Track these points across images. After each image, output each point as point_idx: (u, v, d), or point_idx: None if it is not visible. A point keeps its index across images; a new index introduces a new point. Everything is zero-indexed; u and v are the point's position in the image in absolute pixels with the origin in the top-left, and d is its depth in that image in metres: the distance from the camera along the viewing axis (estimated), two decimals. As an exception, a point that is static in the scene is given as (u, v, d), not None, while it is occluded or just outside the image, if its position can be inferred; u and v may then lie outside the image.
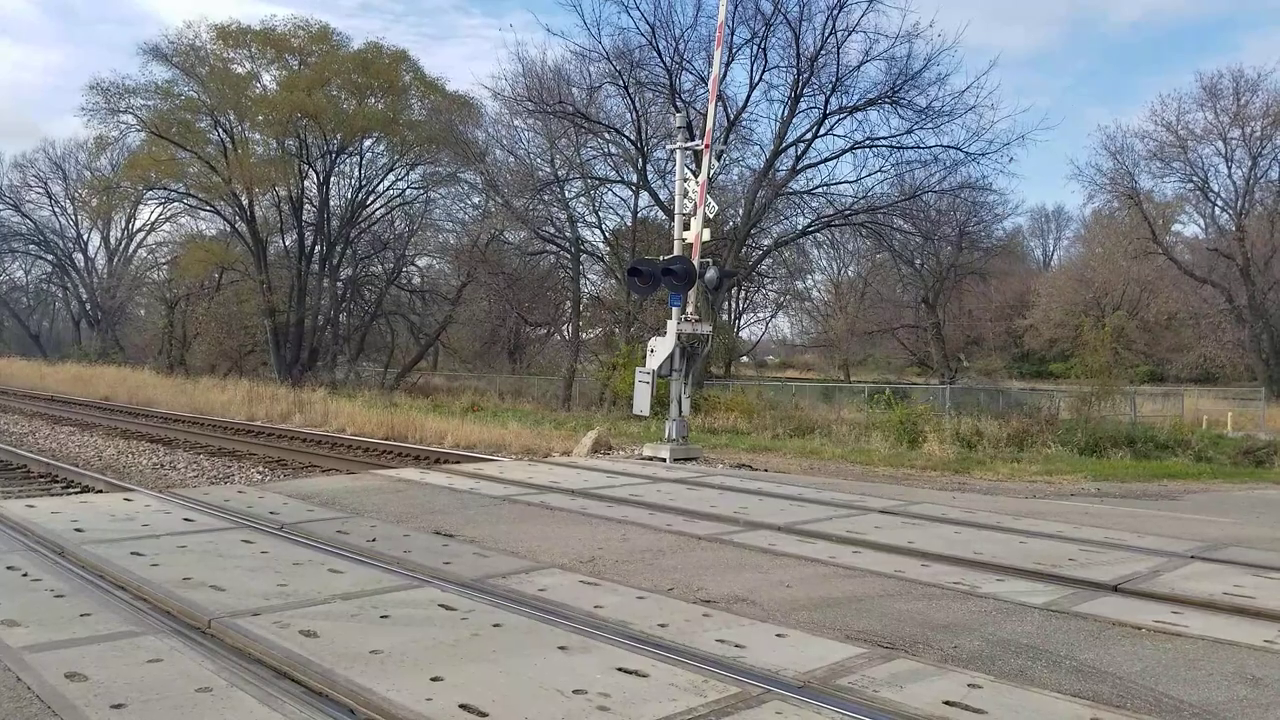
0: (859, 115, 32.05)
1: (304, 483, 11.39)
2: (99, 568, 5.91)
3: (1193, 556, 7.17)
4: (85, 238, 66.06)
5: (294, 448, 19.38)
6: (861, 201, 33.87)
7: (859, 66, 31.09)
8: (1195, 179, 46.68)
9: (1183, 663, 4.59)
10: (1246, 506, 12.78)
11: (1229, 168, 45.70)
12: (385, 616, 4.95)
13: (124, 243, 64.06)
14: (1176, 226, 53.89)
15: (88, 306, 65.42)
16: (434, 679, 3.99)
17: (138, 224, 61.17)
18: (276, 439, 20.94)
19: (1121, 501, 12.95)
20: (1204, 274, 46.22)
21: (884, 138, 32.19)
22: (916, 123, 31.27)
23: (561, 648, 4.48)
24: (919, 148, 31.98)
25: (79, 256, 66.32)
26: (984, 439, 19.93)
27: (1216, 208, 47.62)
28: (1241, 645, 4.87)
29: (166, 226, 57.34)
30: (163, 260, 55.95)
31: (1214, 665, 4.56)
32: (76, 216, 64.81)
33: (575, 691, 3.89)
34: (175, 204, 50.12)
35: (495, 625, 4.84)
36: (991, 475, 16.22)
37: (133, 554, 6.29)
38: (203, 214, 48.20)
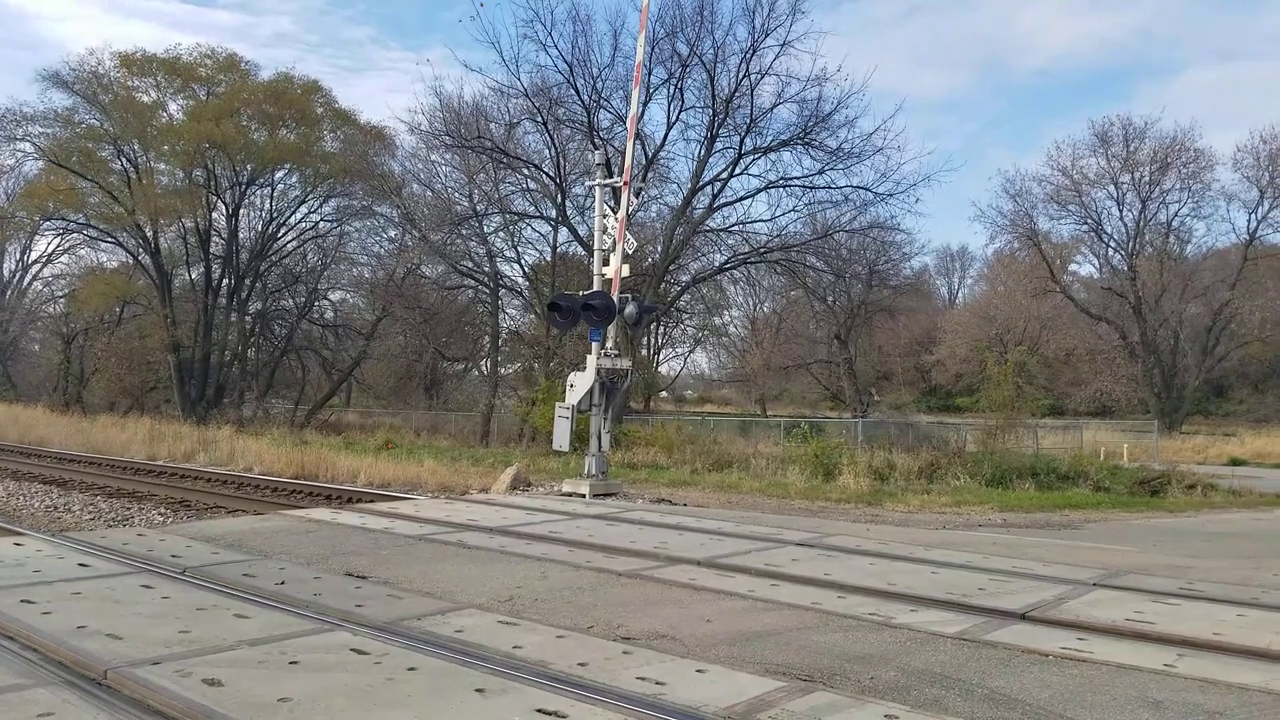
0: (773, 156, 32.80)
1: (209, 524, 10.98)
2: (-15, 617, 5.58)
3: (1095, 584, 7.43)
4: (-25, 270, 63.04)
5: (198, 488, 18.72)
6: (776, 239, 34.57)
7: (772, 109, 31.86)
8: (1089, 221, 49.15)
9: (1089, 688, 4.73)
10: (1144, 535, 13.29)
11: (1120, 210, 48.26)
12: (294, 662, 4.78)
13: (18, 275, 61.35)
14: (1073, 266, 56.64)
15: (-24, 341, 62.32)
16: (346, 726, 3.87)
17: (33, 255, 58.83)
18: (180, 479, 20.19)
19: (1027, 531, 13.34)
20: (1099, 312, 48.43)
21: (797, 178, 32.98)
22: (828, 164, 32.11)
23: (479, 690, 4.39)
24: (830, 188, 32.85)
25: (-33, 290, 63.22)
26: (896, 471, 20.35)
27: (1109, 248, 50.13)
28: (1143, 670, 5.04)
29: (65, 258, 55.13)
30: (60, 293, 53.86)
31: (1118, 690, 4.71)
32: (-34, 248, 61.83)
33: (494, 735, 3.81)
34: (74, 235, 48.35)
35: (410, 669, 4.72)
36: (904, 507, 16.55)
37: (23, 602, 5.97)
38: (104, 245, 46.63)
